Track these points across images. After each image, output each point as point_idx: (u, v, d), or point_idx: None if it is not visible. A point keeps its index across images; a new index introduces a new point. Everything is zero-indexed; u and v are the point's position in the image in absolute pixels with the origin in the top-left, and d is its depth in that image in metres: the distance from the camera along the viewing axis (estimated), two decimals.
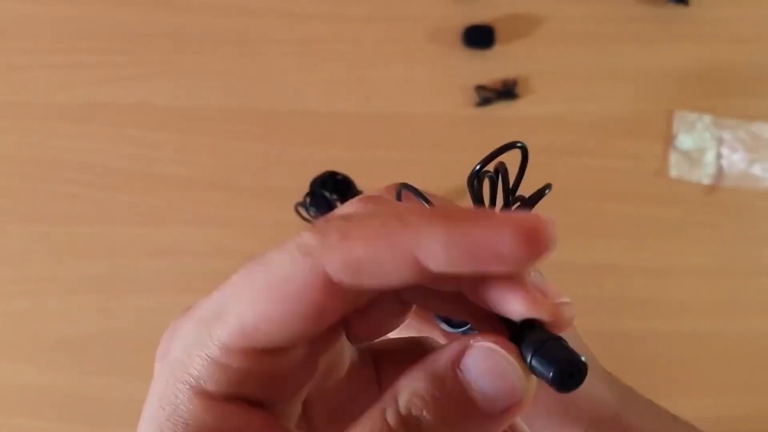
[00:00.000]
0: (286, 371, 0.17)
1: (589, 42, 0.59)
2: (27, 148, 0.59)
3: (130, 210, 0.58)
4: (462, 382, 0.15)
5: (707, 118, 0.59)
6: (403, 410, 0.15)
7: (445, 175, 0.58)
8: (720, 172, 0.59)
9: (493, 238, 0.15)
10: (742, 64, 0.59)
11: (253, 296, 0.16)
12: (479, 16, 0.60)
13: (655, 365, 0.57)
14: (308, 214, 0.52)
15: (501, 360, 0.15)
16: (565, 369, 0.15)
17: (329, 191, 0.51)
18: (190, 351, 0.16)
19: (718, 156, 0.59)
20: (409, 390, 0.15)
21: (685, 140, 0.58)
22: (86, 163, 0.59)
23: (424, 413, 0.15)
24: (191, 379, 0.16)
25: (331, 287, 0.15)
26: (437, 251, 0.15)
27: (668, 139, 0.59)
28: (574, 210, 0.57)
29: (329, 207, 0.50)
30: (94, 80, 0.59)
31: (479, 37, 0.58)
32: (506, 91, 0.58)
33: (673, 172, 0.58)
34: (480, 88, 0.58)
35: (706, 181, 0.59)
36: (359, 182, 0.58)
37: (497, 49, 0.59)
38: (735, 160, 0.59)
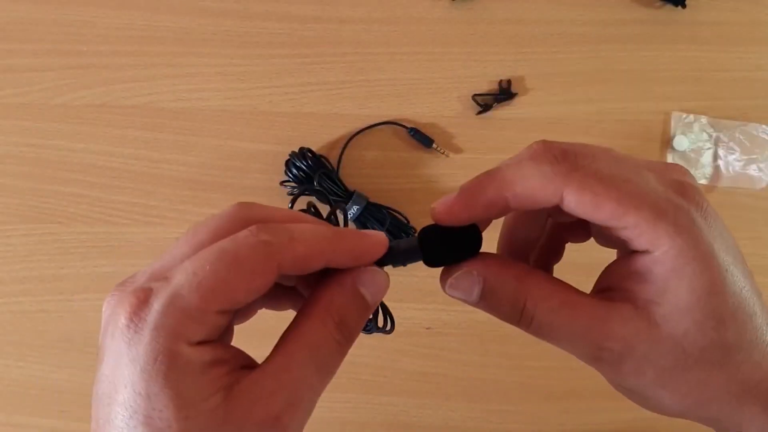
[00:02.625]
0: (225, 326, 0.24)
1: (586, 44, 0.60)
2: (31, 149, 0.59)
3: (132, 210, 0.59)
4: (360, 290, 0.25)
5: (704, 119, 0.59)
6: (336, 319, 0.24)
7: (445, 176, 0.59)
8: (717, 172, 0.59)
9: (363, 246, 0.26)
10: (737, 65, 0.60)
11: (225, 273, 0.22)
12: (476, 18, 0.60)
13: None
14: (290, 187, 0.58)
15: (378, 273, 0.26)
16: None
17: (305, 166, 0.56)
18: (171, 316, 0.22)
19: (715, 157, 0.59)
20: (336, 305, 0.25)
21: (682, 141, 0.59)
22: (89, 164, 0.59)
23: (347, 316, 0.25)
24: (177, 334, 0.22)
25: (276, 270, 0.23)
26: (340, 263, 0.25)
27: (665, 140, 0.59)
28: None
29: (306, 179, 0.56)
30: (97, 82, 0.60)
31: None
32: (503, 92, 0.59)
33: None
34: (477, 96, 0.59)
35: (703, 181, 0.59)
36: (359, 183, 0.58)
37: (496, 51, 0.60)
38: (731, 160, 0.59)
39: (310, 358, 0.23)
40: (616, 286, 0.25)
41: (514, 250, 0.30)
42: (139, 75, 0.60)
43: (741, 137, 0.59)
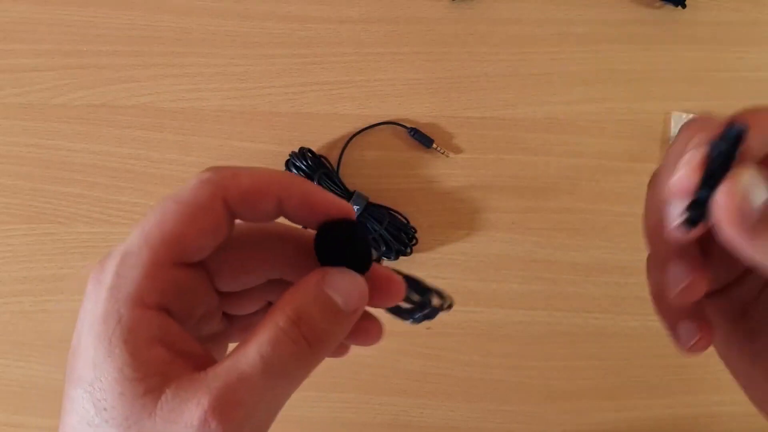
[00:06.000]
0: (192, 289, 0.23)
1: (586, 44, 0.60)
2: (31, 149, 0.59)
3: (132, 210, 0.59)
4: (327, 291, 0.22)
5: None
6: (291, 315, 0.21)
7: (445, 176, 0.59)
8: None
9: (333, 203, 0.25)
10: (737, 65, 0.60)
11: (171, 218, 0.22)
12: (476, 18, 0.60)
13: (655, 364, 0.57)
14: None
15: (350, 276, 0.23)
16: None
17: (305, 166, 0.56)
18: (124, 274, 0.21)
19: None
20: (293, 303, 0.22)
21: None
22: (90, 164, 0.59)
23: (307, 316, 0.22)
24: (128, 294, 0.21)
25: (221, 205, 0.22)
26: (292, 205, 0.24)
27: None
28: (572, 210, 0.58)
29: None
30: (98, 82, 0.60)
31: None
32: None
33: None
34: None
35: None
36: (359, 183, 0.58)
37: (496, 51, 0.60)
38: None
39: (257, 357, 0.21)
40: None
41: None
42: (139, 75, 0.60)
43: None
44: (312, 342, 0.22)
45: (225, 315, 0.27)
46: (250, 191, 0.23)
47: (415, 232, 0.57)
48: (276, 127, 0.59)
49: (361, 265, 0.24)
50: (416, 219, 0.58)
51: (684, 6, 0.59)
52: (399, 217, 0.57)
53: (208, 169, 0.23)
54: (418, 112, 0.59)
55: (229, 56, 0.60)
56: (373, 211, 0.56)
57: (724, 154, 0.19)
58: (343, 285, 0.23)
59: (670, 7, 0.60)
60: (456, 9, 0.60)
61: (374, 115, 0.59)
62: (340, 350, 0.27)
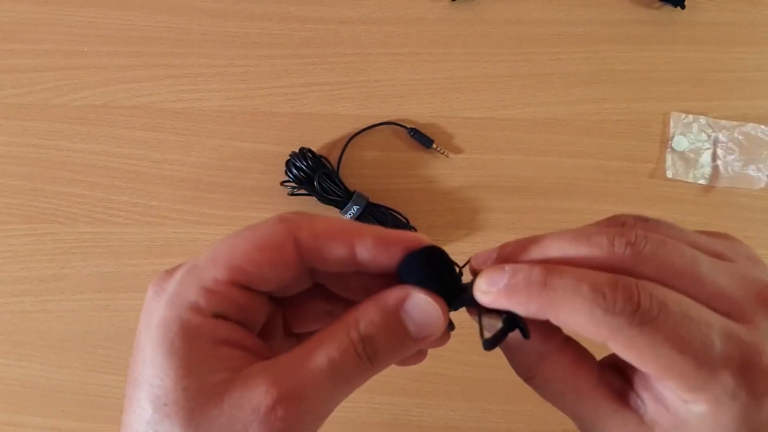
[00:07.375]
0: (255, 305, 0.24)
1: (586, 44, 0.60)
2: (32, 149, 0.59)
3: (133, 210, 0.59)
4: (402, 316, 0.23)
5: (703, 120, 0.59)
6: (362, 331, 0.23)
7: (445, 176, 0.59)
8: (715, 173, 0.59)
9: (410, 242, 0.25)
10: (736, 65, 0.60)
11: (241, 245, 0.23)
12: (476, 18, 0.60)
13: None
14: (290, 187, 0.58)
15: (430, 306, 0.24)
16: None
17: (305, 166, 0.56)
18: (186, 285, 0.23)
19: (714, 157, 0.59)
20: (367, 318, 0.23)
21: (681, 141, 0.59)
22: (90, 164, 0.59)
23: (376, 335, 0.23)
24: (189, 303, 0.22)
25: (296, 245, 0.23)
26: (366, 249, 0.24)
27: (664, 141, 0.59)
28: (571, 211, 0.58)
29: (307, 180, 0.56)
30: (98, 82, 0.60)
31: None
32: None
33: (670, 173, 0.59)
34: None
35: (702, 182, 0.59)
36: (359, 184, 0.58)
37: (496, 51, 0.60)
38: (730, 161, 0.59)
39: (325, 361, 0.22)
40: (635, 379, 0.24)
41: None
42: (140, 75, 0.60)
43: (740, 137, 0.59)
44: (374, 361, 0.23)
45: (289, 333, 0.28)
46: (323, 234, 0.24)
47: (415, 232, 0.57)
48: (276, 128, 0.59)
49: (448, 289, 0.24)
50: (416, 219, 0.58)
51: (683, 6, 0.59)
52: (399, 217, 0.57)
53: (291, 212, 0.24)
54: (418, 112, 0.59)
55: (229, 56, 0.60)
56: (373, 211, 0.56)
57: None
58: (421, 311, 0.24)
59: (669, 7, 0.60)
60: (456, 9, 0.60)
61: (374, 115, 0.59)
62: (418, 357, 0.27)
